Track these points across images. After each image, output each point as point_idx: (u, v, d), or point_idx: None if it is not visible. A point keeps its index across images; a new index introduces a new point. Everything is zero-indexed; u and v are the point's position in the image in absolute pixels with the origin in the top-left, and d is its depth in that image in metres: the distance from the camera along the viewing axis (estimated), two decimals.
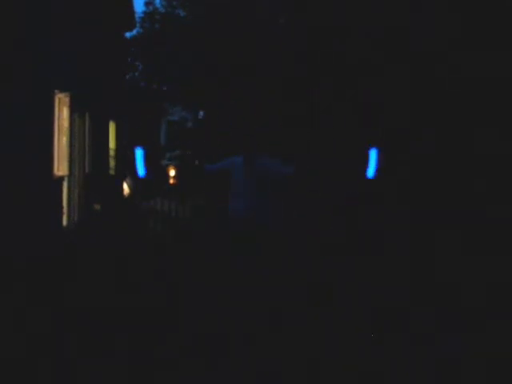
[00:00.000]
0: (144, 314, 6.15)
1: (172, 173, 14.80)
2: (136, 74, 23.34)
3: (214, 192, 11.92)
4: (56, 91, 9.72)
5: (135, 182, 14.85)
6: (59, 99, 9.93)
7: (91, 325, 5.78)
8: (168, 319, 6.06)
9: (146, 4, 22.48)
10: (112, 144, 14.49)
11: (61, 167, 10.02)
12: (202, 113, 20.80)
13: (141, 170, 6.70)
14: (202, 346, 5.21)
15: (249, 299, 6.07)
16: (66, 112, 10.31)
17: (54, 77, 9.53)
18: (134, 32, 21.03)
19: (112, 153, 14.48)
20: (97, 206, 11.97)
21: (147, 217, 12.33)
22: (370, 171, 6.38)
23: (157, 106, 25.37)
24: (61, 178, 10.06)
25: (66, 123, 10.32)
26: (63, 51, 9.99)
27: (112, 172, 14.47)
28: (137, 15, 18.63)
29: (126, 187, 16.08)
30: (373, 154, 6.36)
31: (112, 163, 14.47)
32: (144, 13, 22.33)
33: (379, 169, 6.38)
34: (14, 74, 8.81)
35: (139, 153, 6.68)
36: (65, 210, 10.18)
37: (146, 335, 5.52)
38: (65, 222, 10.19)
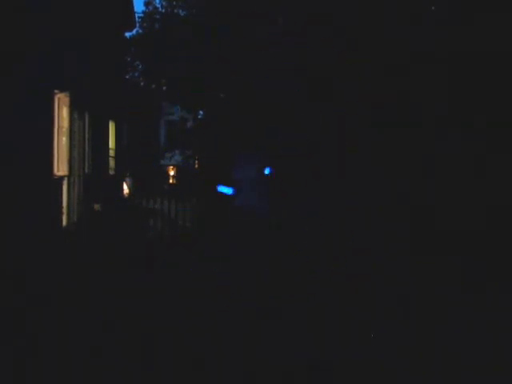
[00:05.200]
0: (144, 313, 6.15)
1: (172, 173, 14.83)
2: (136, 73, 23.36)
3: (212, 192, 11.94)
4: (56, 91, 9.72)
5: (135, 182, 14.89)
6: (59, 99, 9.93)
7: (91, 326, 5.79)
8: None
9: (146, 4, 22.50)
10: (112, 144, 14.49)
11: (61, 167, 10.02)
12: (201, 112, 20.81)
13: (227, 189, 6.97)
14: None
15: None
16: (65, 112, 10.30)
17: (54, 77, 9.53)
18: (134, 32, 21.08)
19: (112, 153, 14.49)
20: (96, 206, 11.97)
21: (147, 216, 12.32)
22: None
23: (156, 105, 25.40)
24: (61, 178, 10.05)
25: (65, 123, 10.32)
26: (63, 51, 9.99)
27: (112, 172, 14.48)
28: (137, 15, 18.64)
29: (125, 187, 16.09)
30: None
31: (112, 163, 14.47)
32: (144, 13, 22.35)
33: None
34: (13, 74, 8.81)
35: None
36: (64, 209, 10.17)
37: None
38: (64, 222, 10.18)
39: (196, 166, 25.43)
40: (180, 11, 21.77)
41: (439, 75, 9.42)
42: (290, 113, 11.52)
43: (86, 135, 11.80)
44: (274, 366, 4.90)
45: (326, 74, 10.77)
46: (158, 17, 22.13)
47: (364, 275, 7.70)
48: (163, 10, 22.23)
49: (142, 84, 23.56)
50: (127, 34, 18.78)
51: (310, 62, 11.10)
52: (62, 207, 9.99)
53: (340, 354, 5.13)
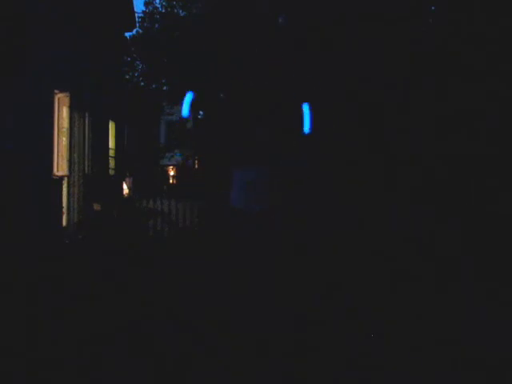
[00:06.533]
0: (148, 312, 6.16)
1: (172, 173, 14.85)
2: (136, 73, 23.36)
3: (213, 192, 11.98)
4: (56, 91, 9.73)
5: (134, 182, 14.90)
6: (59, 99, 9.94)
7: (91, 325, 5.79)
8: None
9: (146, 4, 22.51)
10: (112, 144, 14.49)
11: (61, 167, 10.03)
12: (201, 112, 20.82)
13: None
14: None
15: None
16: (65, 112, 10.31)
17: (54, 77, 9.53)
18: (134, 32, 21.09)
19: (112, 153, 14.48)
20: (96, 206, 11.96)
21: (147, 216, 12.31)
22: (306, 127, 6.71)
23: (156, 105, 25.40)
24: (61, 178, 10.06)
25: (65, 123, 10.33)
26: (63, 51, 9.99)
27: (112, 172, 14.47)
28: (137, 15, 18.64)
29: (125, 187, 16.07)
30: (305, 109, 6.62)
31: (112, 163, 14.47)
32: (144, 13, 22.36)
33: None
34: (14, 74, 8.81)
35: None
36: (64, 210, 10.18)
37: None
38: (64, 222, 10.19)
39: (196, 166, 25.44)
40: (180, 11, 21.78)
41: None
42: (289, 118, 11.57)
43: (86, 135, 11.80)
44: (273, 365, 4.91)
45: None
46: (157, 17, 22.14)
47: (359, 272, 7.73)
48: (163, 10, 22.24)
49: (142, 84, 23.56)
50: (127, 34, 18.77)
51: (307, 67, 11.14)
52: (62, 207, 10.00)
53: (340, 354, 5.14)
